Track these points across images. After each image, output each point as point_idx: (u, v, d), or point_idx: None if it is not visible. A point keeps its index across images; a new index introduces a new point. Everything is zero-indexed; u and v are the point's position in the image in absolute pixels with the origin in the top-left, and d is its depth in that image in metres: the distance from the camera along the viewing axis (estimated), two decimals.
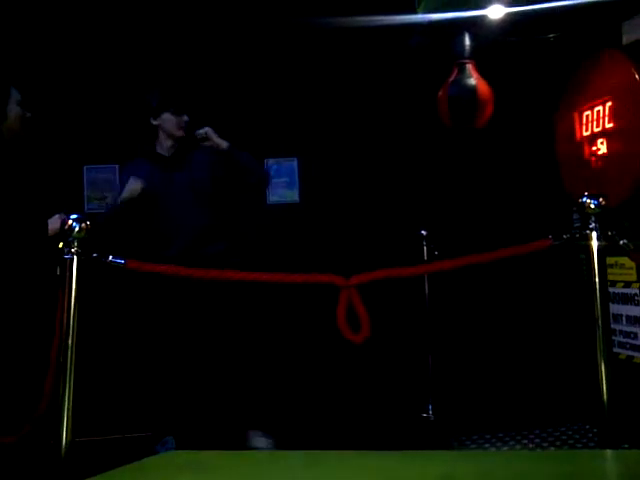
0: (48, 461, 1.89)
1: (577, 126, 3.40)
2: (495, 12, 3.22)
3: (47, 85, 3.70)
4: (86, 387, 2.03)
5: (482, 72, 3.29)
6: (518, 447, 2.76)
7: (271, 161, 4.00)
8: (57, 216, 2.45)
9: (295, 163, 4.02)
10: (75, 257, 1.99)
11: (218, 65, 3.96)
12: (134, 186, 2.99)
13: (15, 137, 2.58)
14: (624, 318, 3.06)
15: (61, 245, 1.99)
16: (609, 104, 3.13)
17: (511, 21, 3.29)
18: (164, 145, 3.18)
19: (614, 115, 3.10)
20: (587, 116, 3.32)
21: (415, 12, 3.47)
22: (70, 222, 2.01)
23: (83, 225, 2.01)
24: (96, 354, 3.12)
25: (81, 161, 3.85)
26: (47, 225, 2.44)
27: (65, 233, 2.00)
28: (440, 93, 3.31)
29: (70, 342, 1.95)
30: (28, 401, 2.15)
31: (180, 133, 3.15)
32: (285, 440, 3.18)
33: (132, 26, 3.86)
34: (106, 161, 3.86)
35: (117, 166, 3.86)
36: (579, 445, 2.76)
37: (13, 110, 2.55)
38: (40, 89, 3.55)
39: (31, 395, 2.14)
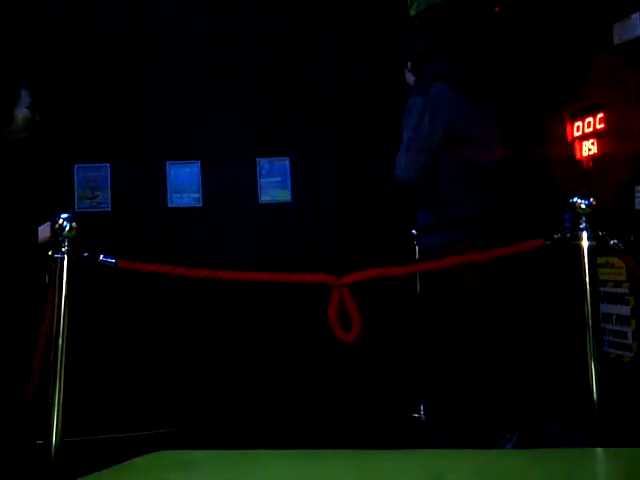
0: (38, 462, 1.88)
1: (568, 126, 3.42)
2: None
3: (36, 82, 3.67)
4: (76, 387, 2.02)
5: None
6: (509, 446, 2.77)
7: (263, 161, 3.99)
8: (47, 224, 2.33)
9: (287, 162, 4.01)
10: (65, 256, 1.97)
11: (210, 61, 3.95)
12: None
13: (19, 140, 2.52)
14: (614, 317, 3.08)
15: (50, 252, 1.98)
16: (600, 105, 3.14)
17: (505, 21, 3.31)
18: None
19: (605, 115, 3.11)
20: (579, 116, 3.34)
21: (408, 15, 3.48)
22: (61, 221, 1.99)
23: (74, 224, 1.99)
24: (86, 353, 3.11)
25: (72, 159, 3.82)
26: (37, 232, 2.38)
27: (56, 232, 1.99)
28: None
29: (60, 342, 1.93)
30: (14, 399, 2.14)
31: None
32: (275, 439, 3.18)
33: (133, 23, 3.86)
34: (97, 160, 3.84)
35: (108, 164, 3.84)
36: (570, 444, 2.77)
37: (21, 113, 2.49)
38: (29, 86, 3.52)
39: (17, 394, 2.12)
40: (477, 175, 2.58)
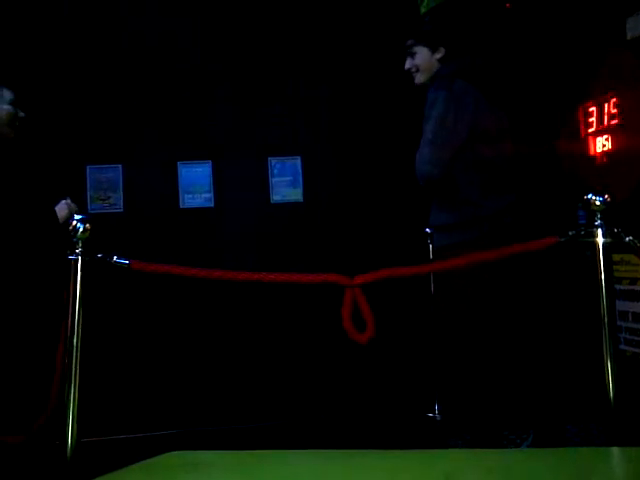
0: (54, 462, 1.90)
1: (581, 122, 3.39)
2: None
3: (49, 83, 3.70)
4: (92, 387, 2.04)
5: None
6: (524, 446, 2.75)
7: (274, 160, 4.00)
8: (63, 202, 2.54)
9: (299, 162, 4.01)
10: (79, 258, 1.99)
11: (220, 61, 3.96)
12: None
13: (5, 137, 2.55)
14: (630, 315, 3.05)
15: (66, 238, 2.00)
16: (613, 100, 3.12)
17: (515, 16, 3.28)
18: None
19: (618, 111, 3.09)
20: (592, 112, 3.31)
21: (418, 10, 3.47)
22: (74, 223, 2.00)
23: (87, 226, 2.00)
24: (102, 354, 3.13)
25: (84, 161, 3.84)
26: (56, 215, 2.49)
27: (70, 234, 2.00)
28: None
29: (75, 342, 1.95)
30: (34, 401, 2.16)
31: None
32: (289, 439, 3.18)
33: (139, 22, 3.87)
34: (109, 161, 3.86)
35: (120, 166, 3.86)
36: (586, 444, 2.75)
37: (2, 109, 2.53)
38: (42, 87, 3.55)
39: (37, 395, 2.14)
40: (493, 174, 2.56)
